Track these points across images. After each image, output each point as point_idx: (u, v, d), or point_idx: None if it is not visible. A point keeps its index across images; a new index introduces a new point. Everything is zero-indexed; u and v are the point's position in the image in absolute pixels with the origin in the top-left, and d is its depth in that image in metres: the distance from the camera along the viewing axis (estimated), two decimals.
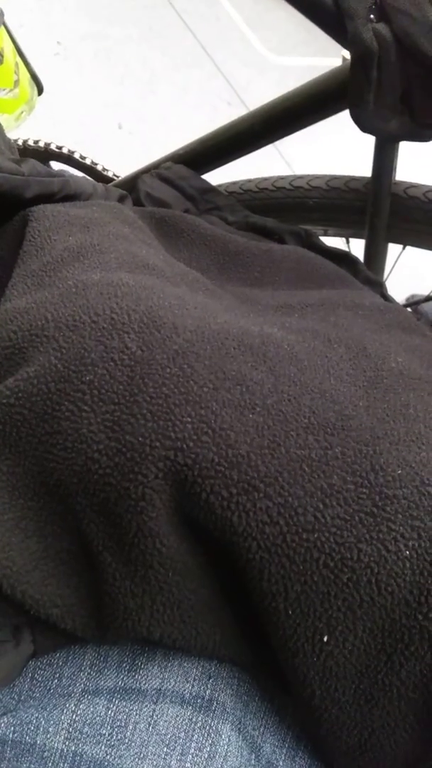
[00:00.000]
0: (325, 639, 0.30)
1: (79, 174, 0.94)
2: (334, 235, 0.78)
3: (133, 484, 0.30)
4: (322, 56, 1.32)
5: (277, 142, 0.69)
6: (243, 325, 0.37)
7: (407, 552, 0.29)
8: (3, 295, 0.38)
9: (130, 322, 0.33)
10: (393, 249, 0.76)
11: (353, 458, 0.31)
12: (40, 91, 0.85)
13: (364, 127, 0.57)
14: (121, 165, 1.02)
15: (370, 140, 0.63)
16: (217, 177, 0.71)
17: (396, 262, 0.86)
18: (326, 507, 0.29)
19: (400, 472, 0.30)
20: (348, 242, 0.84)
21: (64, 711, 0.33)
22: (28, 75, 0.81)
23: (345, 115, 0.62)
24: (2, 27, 0.72)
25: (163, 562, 0.31)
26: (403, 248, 0.78)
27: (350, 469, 0.30)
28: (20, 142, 0.95)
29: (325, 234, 0.77)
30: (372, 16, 0.52)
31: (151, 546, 0.30)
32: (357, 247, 0.76)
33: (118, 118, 1.60)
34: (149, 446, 0.30)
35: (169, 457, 0.30)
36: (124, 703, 0.33)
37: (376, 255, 0.75)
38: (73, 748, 0.31)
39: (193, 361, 0.33)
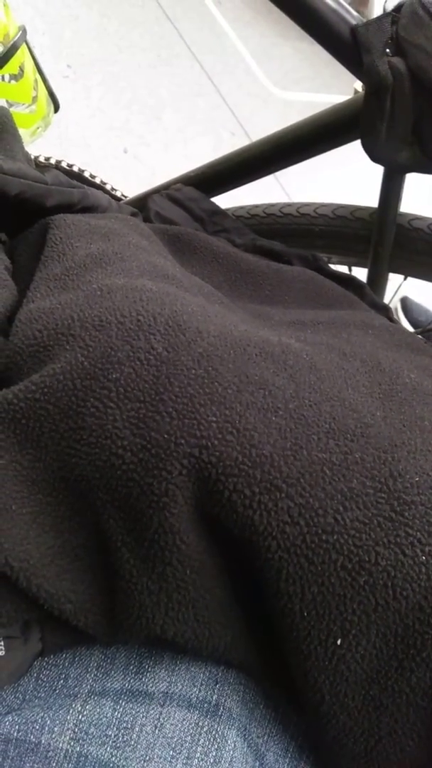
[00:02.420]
0: (339, 642, 0.30)
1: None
2: (338, 263, 0.79)
3: (157, 480, 0.30)
4: (325, 92, 1.35)
5: (278, 174, 0.71)
6: (263, 334, 0.38)
7: (423, 557, 0.29)
8: (25, 297, 0.39)
9: (155, 324, 0.34)
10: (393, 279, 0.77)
11: (372, 464, 0.31)
12: (57, 108, 0.87)
13: (375, 157, 0.59)
14: (125, 188, 1.04)
15: (368, 174, 0.64)
16: (219, 203, 0.73)
17: (396, 292, 0.88)
18: (346, 510, 0.30)
19: (417, 479, 0.31)
20: (350, 270, 0.85)
21: (70, 711, 0.32)
22: (45, 92, 0.83)
23: (346, 149, 0.64)
24: (24, 44, 0.73)
25: (181, 560, 0.31)
26: (405, 279, 0.79)
27: (370, 474, 0.31)
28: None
29: (329, 261, 0.78)
30: (388, 50, 0.53)
31: (171, 542, 0.30)
32: (359, 276, 0.77)
33: (124, 143, 1.63)
34: (174, 443, 0.30)
35: (194, 454, 0.30)
36: (131, 705, 0.33)
37: (377, 284, 0.76)
38: (78, 748, 0.31)
39: (217, 364, 0.33)
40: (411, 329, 1.68)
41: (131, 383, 0.32)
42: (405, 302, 1.73)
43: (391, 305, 1.69)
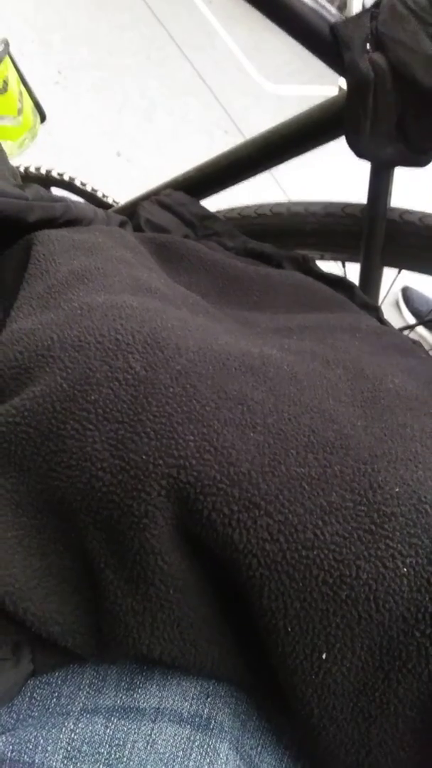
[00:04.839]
0: (324, 656, 0.30)
1: (80, 200, 0.95)
2: (331, 259, 0.79)
3: (136, 501, 0.30)
4: (318, 85, 1.34)
5: (273, 169, 0.70)
6: (244, 347, 0.38)
7: (405, 569, 0.29)
8: (8, 317, 0.39)
9: (134, 343, 0.34)
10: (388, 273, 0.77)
11: (352, 476, 0.31)
12: (43, 119, 0.86)
13: (360, 153, 0.58)
14: (119, 192, 1.04)
15: (364, 167, 0.64)
16: (215, 203, 0.72)
17: (392, 286, 0.87)
18: (325, 524, 0.30)
19: (398, 490, 0.31)
20: (344, 266, 0.85)
21: (63, 730, 0.33)
22: (31, 103, 0.83)
23: (340, 142, 0.64)
24: (7, 56, 0.73)
25: (164, 580, 0.31)
26: (399, 272, 0.79)
27: (349, 487, 0.31)
28: (22, 169, 0.97)
29: (322, 258, 0.78)
30: (368, 45, 0.53)
31: (153, 563, 0.30)
32: (353, 272, 0.77)
33: (117, 146, 1.62)
34: (152, 464, 0.30)
35: (172, 474, 0.30)
36: (123, 722, 0.33)
37: (371, 279, 0.76)
38: (71, 767, 0.31)
39: (195, 381, 0.33)
40: (412, 319, 1.67)
41: (110, 404, 0.32)
42: (406, 292, 1.72)
43: (390, 297, 1.68)
